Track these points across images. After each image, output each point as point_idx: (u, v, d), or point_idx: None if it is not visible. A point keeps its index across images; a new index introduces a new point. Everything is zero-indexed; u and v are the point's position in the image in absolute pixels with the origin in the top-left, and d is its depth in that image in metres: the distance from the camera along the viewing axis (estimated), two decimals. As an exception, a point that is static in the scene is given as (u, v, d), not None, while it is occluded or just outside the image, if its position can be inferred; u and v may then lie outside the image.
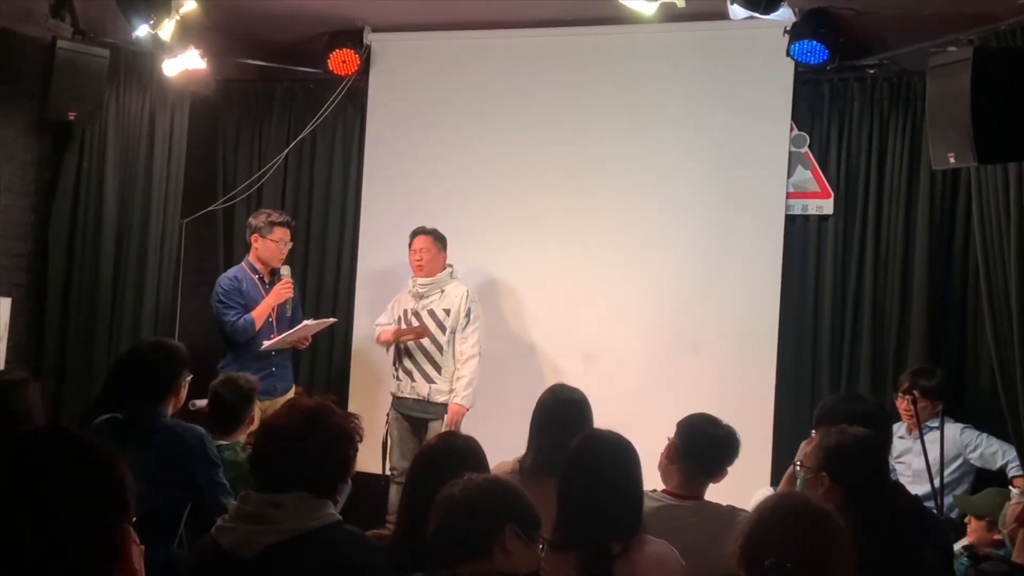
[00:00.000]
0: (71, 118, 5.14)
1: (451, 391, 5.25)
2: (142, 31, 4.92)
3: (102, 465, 1.38)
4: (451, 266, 5.40)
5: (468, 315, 5.28)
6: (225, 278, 5.32)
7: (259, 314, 5.20)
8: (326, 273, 6.19)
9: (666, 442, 3.16)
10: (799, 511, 2.04)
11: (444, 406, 5.25)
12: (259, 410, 4.26)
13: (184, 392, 3.58)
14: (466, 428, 2.94)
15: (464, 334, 5.27)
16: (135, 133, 5.61)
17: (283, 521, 2.19)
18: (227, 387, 3.86)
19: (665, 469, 3.15)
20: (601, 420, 3.43)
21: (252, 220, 5.40)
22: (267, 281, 5.35)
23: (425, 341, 5.29)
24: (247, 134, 6.31)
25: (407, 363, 5.33)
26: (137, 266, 5.62)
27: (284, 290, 5.28)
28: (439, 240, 5.35)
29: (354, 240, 6.11)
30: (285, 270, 5.35)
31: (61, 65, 4.99)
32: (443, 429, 5.05)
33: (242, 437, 3.78)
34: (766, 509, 2.07)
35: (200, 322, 6.30)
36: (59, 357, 5.31)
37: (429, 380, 5.28)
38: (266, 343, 5.19)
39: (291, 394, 5.31)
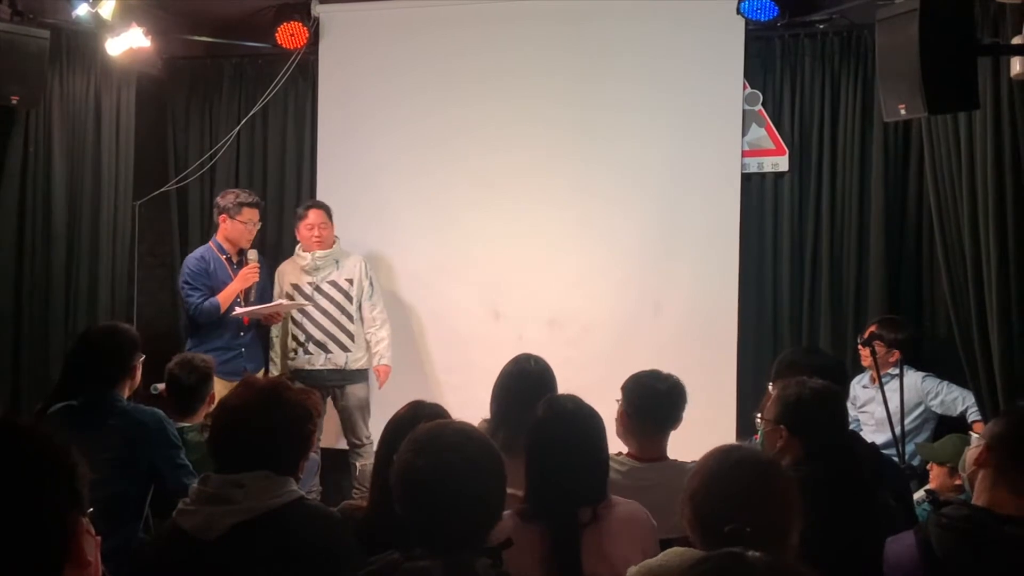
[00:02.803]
0: (13, 102, 5.00)
1: (374, 354, 5.44)
2: (82, 10, 4.82)
3: (47, 454, 1.33)
4: (338, 238, 5.50)
5: (372, 284, 5.48)
6: (192, 259, 5.27)
7: (224, 298, 5.16)
8: (283, 250, 6.11)
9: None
10: (747, 466, 2.02)
11: (361, 371, 5.45)
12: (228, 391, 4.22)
13: (139, 374, 3.53)
14: (430, 398, 2.92)
15: (372, 301, 5.48)
16: (81, 115, 5.49)
17: (244, 501, 2.18)
18: (183, 368, 3.81)
19: (622, 435, 3.16)
20: (568, 386, 3.35)
21: (220, 200, 5.33)
22: (235, 262, 5.30)
23: (334, 312, 5.40)
24: (197, 112, 6.21)
25: (319, 336, 5.40)
26: (90, 250, 5.52)
27: (251, 274, 5.24)
28: (329, 214, 5.45)
29: (310, 216, 6.05)
30: (252, 254, 5.31)
31: (0, 48, 4.87)
32: (378, 388, 5.46)
33: (204, 417, 3.75)
34: (712, 466, 2.04)
35: (158, 304, 6.23)
36: (14, 347, 5.20)
37: (345, 349, 5.41)
38: (238, 309, 5.17)
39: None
